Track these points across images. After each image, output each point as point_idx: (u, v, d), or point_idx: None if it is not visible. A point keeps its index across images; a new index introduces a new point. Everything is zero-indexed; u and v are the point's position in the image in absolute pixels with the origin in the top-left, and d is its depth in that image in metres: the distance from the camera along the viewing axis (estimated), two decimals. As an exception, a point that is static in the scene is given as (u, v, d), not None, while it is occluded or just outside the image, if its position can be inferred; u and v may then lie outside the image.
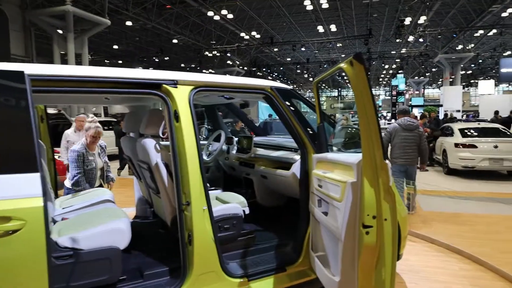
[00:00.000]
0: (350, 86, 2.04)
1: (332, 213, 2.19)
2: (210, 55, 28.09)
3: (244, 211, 2.96)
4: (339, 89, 56.31)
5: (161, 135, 2.77)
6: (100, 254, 2.24)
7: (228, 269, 2.50)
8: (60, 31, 15.88)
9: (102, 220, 2.43)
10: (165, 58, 30.93)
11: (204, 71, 32.88)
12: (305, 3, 17.86)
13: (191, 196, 2.32)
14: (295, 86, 50.96)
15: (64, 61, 16.93)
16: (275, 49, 29.84)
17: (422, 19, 19.81)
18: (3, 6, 13.50)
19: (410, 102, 28.46)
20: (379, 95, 57.33)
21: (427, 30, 21.42)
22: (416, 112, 25.53)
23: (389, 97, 29.39)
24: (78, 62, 16.82)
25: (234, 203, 2.94)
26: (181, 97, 2.39)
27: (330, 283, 2.24)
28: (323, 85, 49.88)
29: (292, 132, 2.80)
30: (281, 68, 38.02)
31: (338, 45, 28.36)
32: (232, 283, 2.49)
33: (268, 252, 2.91)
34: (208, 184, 3.87)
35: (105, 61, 31.70)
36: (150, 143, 2.61)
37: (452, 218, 5.29)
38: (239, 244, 2.92)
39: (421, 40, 24.34)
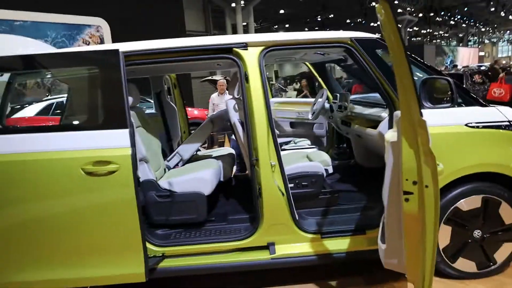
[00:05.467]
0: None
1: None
2: (376, 5, 25.82)
3: (327, 170, 2.92)
4: None
5: (235, 96, 2.98)
6: (187, 197, 2.72)
7: (300, 223, 2.58)
8: (233, 4, 17.72)
9: (195, 170, 2.91)
10: (329, 16, 30.24)
11: (372, 24, 30.70)
12: None
13: (259, 152, 2.48)
14: (488, 28, 41.62)
15: (234, 31, 18.89)
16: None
17: None
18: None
19: None
20: None
21: None
22: None
23: None
24: (245, 31, 18.43)
25: (316, 162, 2.94)
26: (251, 59, 2.51)
27: (381, 252, 2.06)
28: None
29: (378, 89, 2.55)
30: (466, 9, 31.48)
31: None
32: (304, 237, 2.57)
33: (349, 214, 2.82)
34: (292, 140, 3.97)
35: (274, 27, 33.43)
36: (230, 103, 2.88)
37: None
38: (318, 202, 2.93)
39: None
